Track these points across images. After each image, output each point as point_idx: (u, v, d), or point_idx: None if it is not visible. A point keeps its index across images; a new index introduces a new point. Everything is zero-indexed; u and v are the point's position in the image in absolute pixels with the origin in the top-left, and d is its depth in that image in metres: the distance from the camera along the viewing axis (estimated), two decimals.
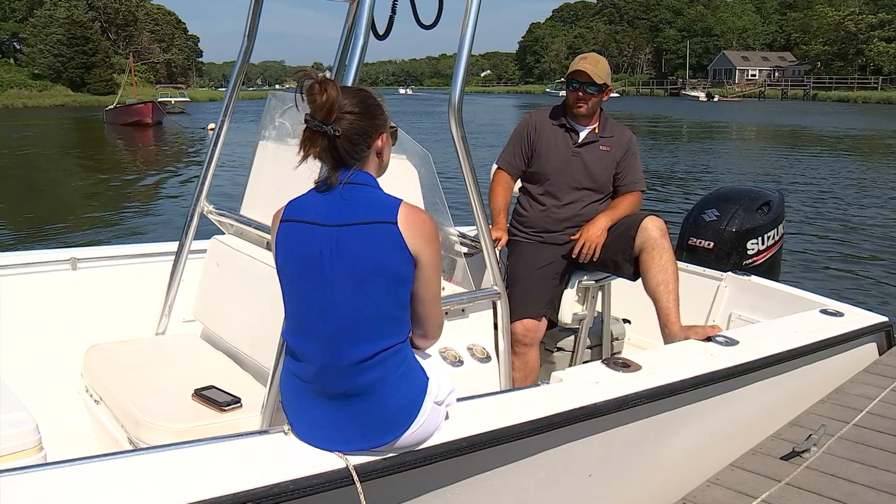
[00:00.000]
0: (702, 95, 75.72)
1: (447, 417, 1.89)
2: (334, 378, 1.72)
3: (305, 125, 1.69)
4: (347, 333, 1.69)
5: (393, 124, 1.85)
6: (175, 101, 46.88)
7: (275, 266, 1.79)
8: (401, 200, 1.73)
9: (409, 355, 1.78)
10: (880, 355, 3.54)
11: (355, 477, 1.70)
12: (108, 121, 38.37)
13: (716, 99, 72.27)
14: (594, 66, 3.07)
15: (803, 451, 2.61)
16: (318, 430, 1.77)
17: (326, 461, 1.72)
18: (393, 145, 1.86)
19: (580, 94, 3.08)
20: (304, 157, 1.71)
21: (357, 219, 1.68)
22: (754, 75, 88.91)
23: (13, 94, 63.55)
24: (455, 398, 1.92)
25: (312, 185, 1.78)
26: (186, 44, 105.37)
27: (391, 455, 1.78)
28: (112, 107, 39.98)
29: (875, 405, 3.01)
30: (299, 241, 1.72)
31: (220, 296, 2.91)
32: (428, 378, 1.80)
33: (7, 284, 2.99)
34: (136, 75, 55.32)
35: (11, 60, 72.83)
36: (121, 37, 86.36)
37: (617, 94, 77.46)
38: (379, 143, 1.77)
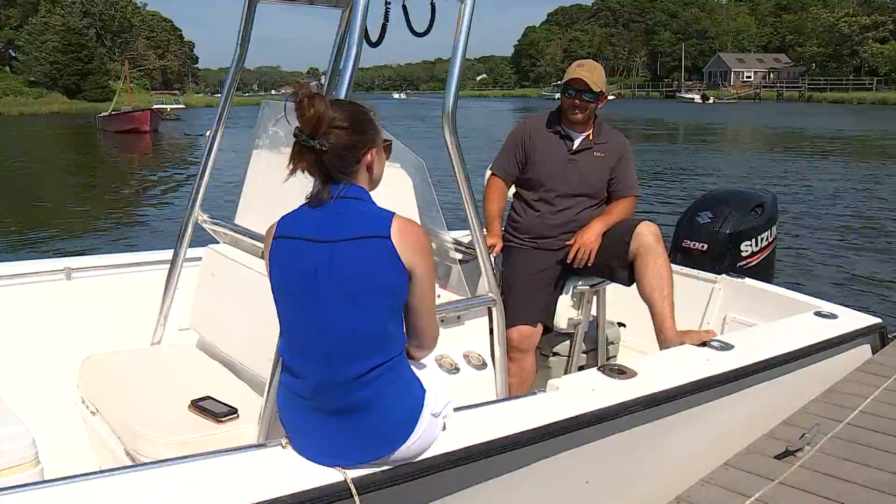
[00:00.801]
0: (697, 98, 75.80)
1: (444, 428, 1.89)
2: (331, 394, 1.71)
3: (294, 139, 1.69)
4: (343, 350, 1.69)
5: (388, 138, 1.84)
6: (170, 108, 46.63)
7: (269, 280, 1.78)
8: (393, 214, 1.72)
9: (406, 368, 1.78)
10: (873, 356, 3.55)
11: (353, 490, 1.70)
12: (102, 128, 38.10)
13: (711, 101, 72.35)
14: (591, 73, 3.07)
15: (797, 450, 2.61)
16: (316, 444, 1.76)
17: (325, 475, 1.72)
18: (387, 159, 1.85)
19: (577, 101, 3.08)
20: (292, 172, 1.70)
21: (350, 234, 1.68)
22: (749, 77, 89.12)
23: (9, 101, 63.33)
24: (452, 409, 1.92)
25: (305, 198, 1.78)
26: (182, 50, 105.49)
27: (389, 468, 1.78)
28: (106, 114, 39.45)
29: (868, 404, 3.01)
30: (293, 258, 1.71)
31: (215, 305, 2.90)
32: (424, 390, 1.79)
33: (1, 295, 2.99)
34: (131, 82, 55.15)
35: (7, 68, 72.75)
36: (116, 43, 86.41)
37: (612, 97, 77.49)
38: (369, 157, 1.75)
